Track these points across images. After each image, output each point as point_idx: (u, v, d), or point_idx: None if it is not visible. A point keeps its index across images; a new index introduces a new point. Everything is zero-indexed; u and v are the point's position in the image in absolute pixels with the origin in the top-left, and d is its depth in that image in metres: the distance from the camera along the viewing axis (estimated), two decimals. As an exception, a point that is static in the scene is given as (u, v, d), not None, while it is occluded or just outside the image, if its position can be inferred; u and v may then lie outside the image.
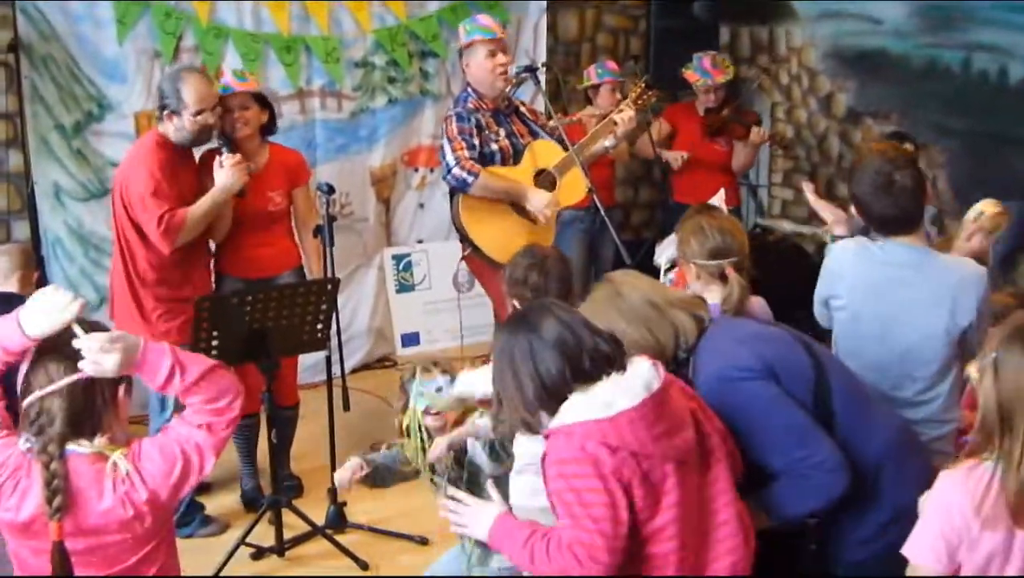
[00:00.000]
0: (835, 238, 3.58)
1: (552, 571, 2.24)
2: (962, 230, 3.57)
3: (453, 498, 2.55)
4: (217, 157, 4.13)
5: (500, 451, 3.01)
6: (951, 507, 2.13)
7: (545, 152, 4.63)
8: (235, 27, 5.45)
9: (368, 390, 5.45)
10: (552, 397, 2.30)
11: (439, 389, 3.11)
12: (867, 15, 6.41)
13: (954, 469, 2.18)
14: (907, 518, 2.25)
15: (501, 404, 2.43)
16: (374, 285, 6.22)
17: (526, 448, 2.93)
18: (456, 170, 4.38)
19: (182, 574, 2.51)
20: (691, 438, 2.35)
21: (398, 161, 6.19)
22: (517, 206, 4.55)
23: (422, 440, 3.22)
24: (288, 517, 4.11)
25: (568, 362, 2.30)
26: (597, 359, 2.31)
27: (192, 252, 4.18)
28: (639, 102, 4.87)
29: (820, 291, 3.27)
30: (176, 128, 4.05)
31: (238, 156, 4.11)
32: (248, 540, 4.03)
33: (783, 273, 3.38)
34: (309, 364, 5.08)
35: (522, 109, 4.79)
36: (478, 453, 3.10)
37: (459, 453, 3.13)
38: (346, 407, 4.34)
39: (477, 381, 2.97)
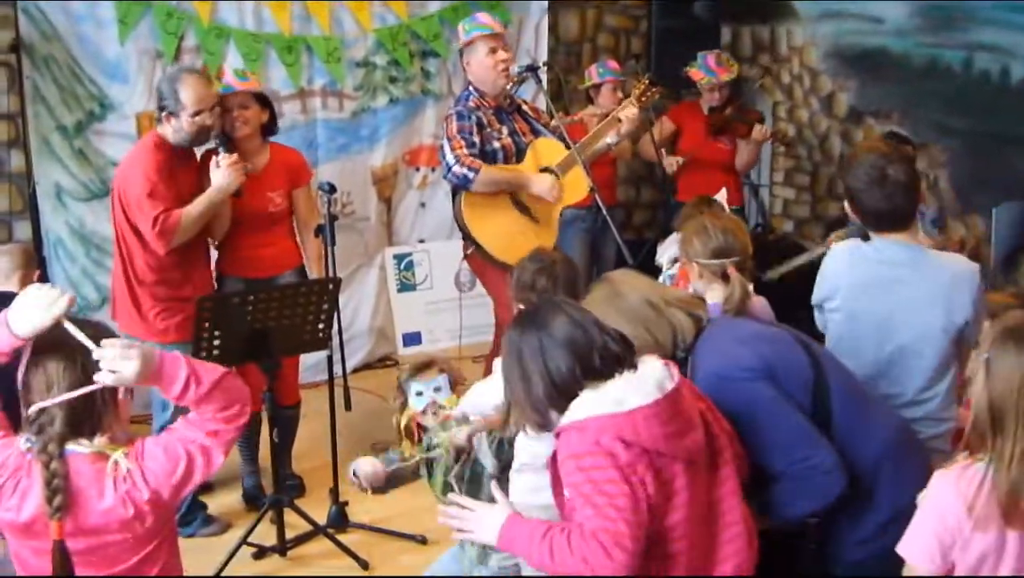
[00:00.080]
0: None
1: (575, 562, 2.18)
2: None
3: (455, 504, 2.52)
4: (214, 157, 4.13)
5: (508, 449, 3.01)
6: (944, 507, 2.14)
7: (548, 150, 4.63)
8: (236, 27, 5.45)
9: (369, 390, 5.45)
10: (562, 395, 2.30)
11: (438, 389, 3.12)
12: (868, 15, 6.41)
13: (948, 469, 2.19)
14: (906, 518, 2.25)
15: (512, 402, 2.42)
16: (375, 285, 6.23)
17: (526, 447, 2.94)
18: (456, 168, 4.39)
19: (184, 573, 2.51)
20: (701, 439, 2.35)
21: (399, 161, 6.19)
22: (519, 204, 4.56)
23: (420, 439, 3.23)
24: (290, 516, 4.11)
25: (578, 360, 2.30)
26: (607, 357, 2.31)
27: (191, 252, 4.18)
28: (643, 99, 4.87)
29: (816, 295, 3.27)
30: (174, 129, 4.05)
31: (234, 156, 4.11)
32: (250, 539, 4.03)
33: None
34: (310, 364, 5.08)
35: (524, 107, 4.79)
36: (484, 451, 3.10)
37: (461, 449, 3.13)
38: (347, 407, 4.34)
39: (488, 394, 2.95)
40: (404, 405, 3.25)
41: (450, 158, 4.42)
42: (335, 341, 4.26)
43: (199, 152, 4.29)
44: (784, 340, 2.76)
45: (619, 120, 4.69)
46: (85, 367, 2.24)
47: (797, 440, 2.55)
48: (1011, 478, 2.04)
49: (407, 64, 6.00)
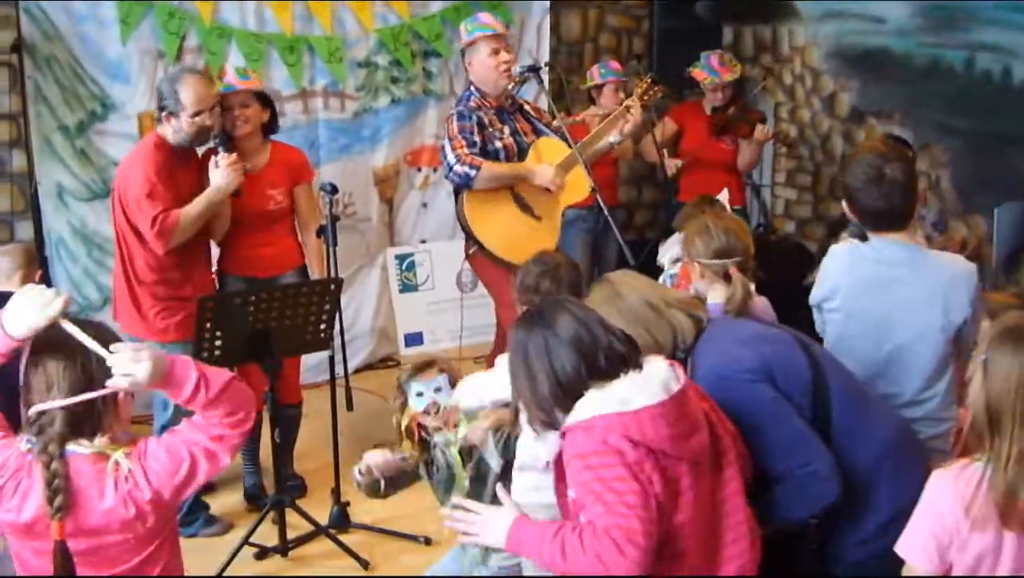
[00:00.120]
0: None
1: (588, 560, 2.16)
2: None
3: (460, 507, 2.49)
4: (213, 157, 4.13)
5: (514, 447, 3.01)
6: (941, 507, 2.14)
7: (549, 149, 4.63)
8: (238, 27, 5.45)
9: (371, 390, 5.45)
10: (567, 395, 2.29)
11: (438, 389, 3.11)
12: (870, 15, 6.41)
13: (946, 469, 2.18)
14: (906, 518, 2.24)
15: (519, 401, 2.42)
16: (377, 285, 6.23)
17: (527, 447, 2.93)
18: (457, 167, 4.39)
19: (186, 573, 2.51)
20: (706, 440, 2.34)
21: (401, 161, 6.19)
22: (522, 203, 4.56)
23: (422, 440, 3.23)
24: (291, 517, 4.12)
25: (584, 359, 2.29)
26: (612, 357, 2.31)
27: (191, 251, 4.18)
28: (645, 97, 4.86)
29: (815, 294, 3.27)
30: (174, 129, 4.06)
31: (233, 156, 4.11)
32: (252, 540, 4.03)
33: (785, 273, 3.38)
34: (312, 364, 5.09)
35: (526, 107, 4.79)
36: (489, 450, 3.10)
37: (472, 446, 3.13)
38: (349, 407, 4.34)
39: (488, 388, 2.95)
40: (404, 405, 3.24)
41: (451, 158, 4.42)
42: (337, 341, 4.26)
43: (201, 152, 4.30)
44: (784, 341, 2.75)
45: (628, 109, 4.69)
46: (85, 367, 2.24)
47: (795, 444, 2.55)
48: (1008, 479, 2.04)
49: (409, 64, 6.00)
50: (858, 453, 2.62)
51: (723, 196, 4.49)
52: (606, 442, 2.20)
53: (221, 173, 4.07)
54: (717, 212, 3.79)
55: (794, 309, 3.40)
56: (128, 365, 2.18)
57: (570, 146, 4.56)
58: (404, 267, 6.36)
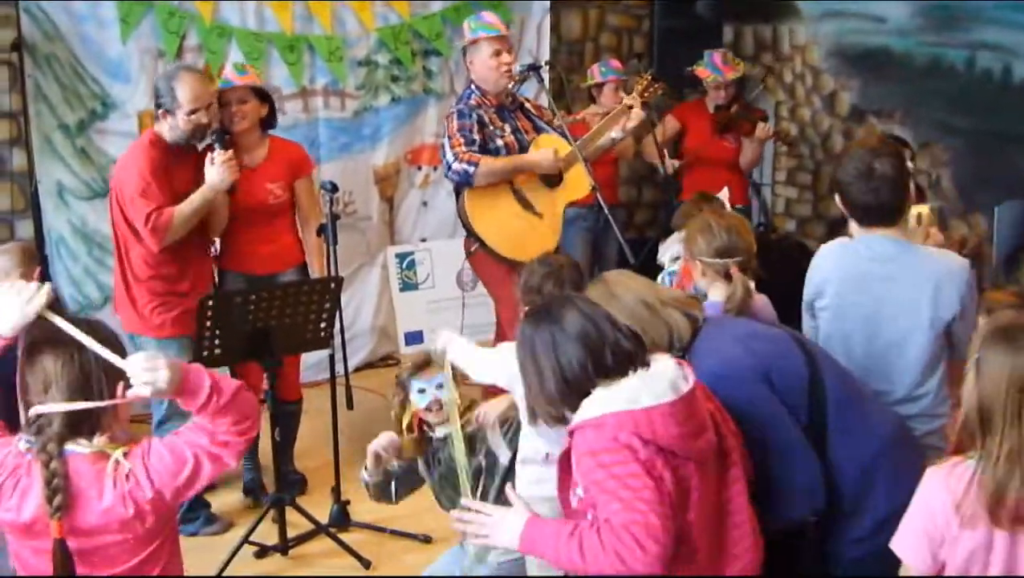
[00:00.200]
0: None
1: (608, 559, 2.13)
2: (916, 236, 3.54)
3: (469, 508, 2.46)
4: (209, 154, 4.13)
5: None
6: (933, 505, 2.14)
7: (550, 146, 4.62)
8: (238, 26, 5.46)
9: (371, 389, 5.45)
10: (574, 391, 2.28)
11: (440, 385, 3.12)
12: (870, 14, 6.41)
13: (939, 466, 2.19)
14: (903, 515, 2.25)
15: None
16: (377, 284, 6.23)
17: (528, 440, 2.94)
18: (456, 165, 4.39)
19: (186, 572, 2.51)
20: (713, 440, 2.33)
21: (401, 160, 6.19)
22: (523, 200, 4.55)
23: (423, 435, 3.24)
24: (292, 515, 4.12)
25: (591, 355, 2.28)
26: (619, 354, 2.30)
27: (188, 247, 4.18)
28: (645, 95, 4.86)
29: (807, 292, 3.26)
30: (170, 127, 4.07)
31: (229, 153, 4.10)
32: (252, 538, 4.03)
33: (785, 271, 3.39)
34: (312, 362, 5.08)
35: (527, 105, 4.79)
36: (497, 442, 3.10)
37: (473, 439, 3.13)
38: (349, 405, 4.35)
39: (494, 370, 2.95)
40: (404, 401, 3.25)
41: (449, 156, 4.42)
42: (337, 340, 4.26)
43: (201, 148, 4.30)
44: (781, 339, 2.75)
45: (628, 108, 4.69)
46: (83, 365, 2.24)
47: (784, 450, 2.56)
48: (997, 477, 2.04)
49: (409, 63, 6.00)
50: (855, 451, 2.62)
51: (723, 195, 4.48)
52: (617, 439, 2.18)
53: (216, 170, 4.07)
54: (716, 209, 3.78)
55: (794, 308, 3.39)
56: (148, 374, 2.15)
57: (571, 144, 4.56)
58: (404, 266, 6.35)
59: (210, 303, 3.75)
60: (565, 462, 2.37)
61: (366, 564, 3.99)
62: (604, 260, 5.92)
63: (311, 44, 5.68)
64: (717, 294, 3.07)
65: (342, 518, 4.25)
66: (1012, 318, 2.24)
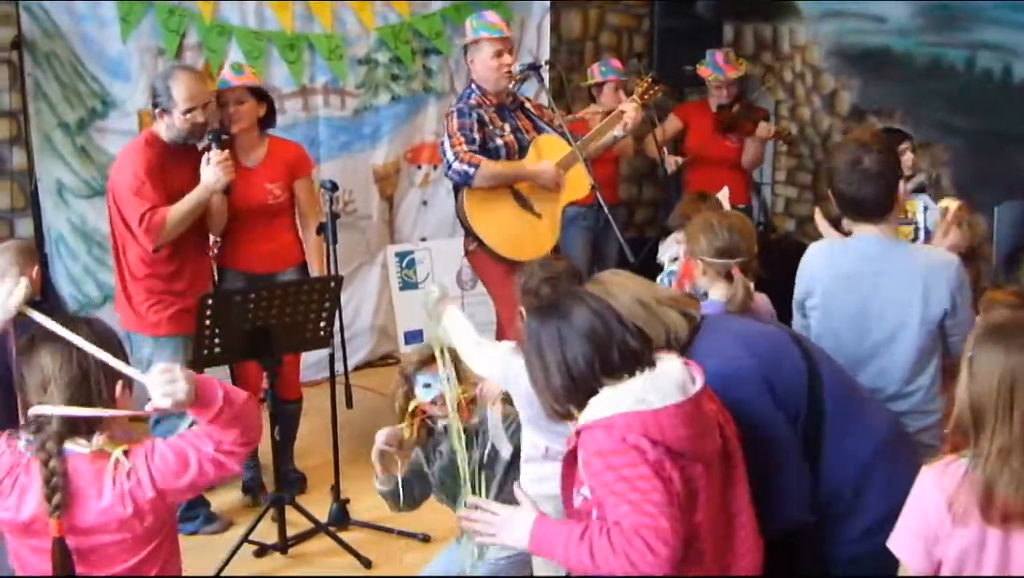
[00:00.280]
0: None
1: (618, 562, 2.13)
2: (938, 228, 3.56)
3: (477, 507, 2.45)
4: (205, 154, 4.13)
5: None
6: (927, 503, 2.14)
7: (550, 146, 4.63)
8: (238, 25, 5.45)
9: (371, 388, 5.45)
10: (579, 388, 2.27)
11: (447, 379, 3.11)
12: (871, 13, 6.41)
13: (933, 465, 2.19)
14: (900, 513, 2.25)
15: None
16: (377, 283, 6.22)
17: (531, 438, 2.93)
18: (456, 164, 4.39)
19: (185, 571, 2.51)
20: (719, 441, 2.33)
21: (401, 158, 6.19)
22: (521, 200, 4.56)
23: (425, 427, 3.24)
24: (291, 514, 4.12)
25: (597, 353, 2.26)
26: (625, 352, 2.28)
27: (185, 246, 4.18)
28: (645, 96, 4.87)
29: (797, 292, 3.26)
30: (167, 126, 4.07)
31: (224, 153, 4.10)
32: (251, 537, 4.03)
33: (785, 271, 3.39)
34: (312, 361, 5.08)
35: (527, 105, 4.79)
36: (499, 436, 3.10)
37: (474, 433, 3.13)
38: (349, 405, 4.35)
39: (492, 362, 2.96)
40: (408, 393, 3.25)
41: (450, 155, 4.42)
42: (337, 339, 4.26)
43: (201, 148, 4.30)
44: (779, 338, 2.75)
45: (623, 112, 4.69)
46: (80, 363, 2.24)
47: (784, 451, 2.55)
48: (987, 474, 2.05)
49: (409, 62, 6.00)
50: (854, 450, 2.62)
51: (722, 194, 4.48)
52: (625, 440, 2.17)
53: (211, 171, 4.06)
54: (713, 207, 3.76)
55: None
56: (168, 386, 2.13)
57: (571, 144, 4.56)
58: (404, 265, 6.35)
59: (210, 301, 3.75)
60: (570, 461, 2.35)
61: (366, 563, 3.99)
62: (604, 260, 5.92)
63: (311, 43, 5.68)
64: (717, 294, 3.07)
65: (341, 517, 4.25)
66: (1005, 317, 2.24)
